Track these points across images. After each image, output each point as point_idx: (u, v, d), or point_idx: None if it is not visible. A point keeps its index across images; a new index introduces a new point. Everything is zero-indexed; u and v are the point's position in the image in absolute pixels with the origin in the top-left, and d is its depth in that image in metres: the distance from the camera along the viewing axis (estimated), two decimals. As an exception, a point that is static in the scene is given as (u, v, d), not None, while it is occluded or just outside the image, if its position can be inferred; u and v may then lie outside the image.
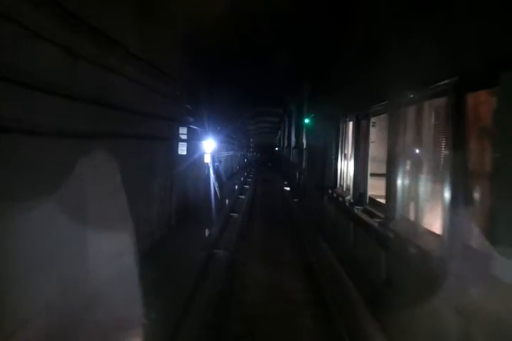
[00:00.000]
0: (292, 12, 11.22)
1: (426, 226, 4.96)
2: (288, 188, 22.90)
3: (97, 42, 5.14)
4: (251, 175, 35.95)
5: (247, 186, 24.26)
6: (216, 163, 19.55)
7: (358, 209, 7.93)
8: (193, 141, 13.36)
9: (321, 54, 13.38)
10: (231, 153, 29.25)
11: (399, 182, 5.78)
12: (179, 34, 10.33)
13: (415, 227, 5.07)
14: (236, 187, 21.78)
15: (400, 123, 5.76)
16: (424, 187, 5.06)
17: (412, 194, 5.41)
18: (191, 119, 12.88)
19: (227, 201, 16.53)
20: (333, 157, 10.96)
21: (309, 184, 16.73)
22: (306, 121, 17.50)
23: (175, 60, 10.55)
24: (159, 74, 8.43)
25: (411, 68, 5.30)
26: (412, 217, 5.39)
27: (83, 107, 4.78)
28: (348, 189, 9.36)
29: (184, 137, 11.80)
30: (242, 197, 19.46)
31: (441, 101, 4.67)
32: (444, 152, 4.48)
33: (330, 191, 11.19)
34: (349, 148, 9.59)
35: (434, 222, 4.78)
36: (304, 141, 19.34)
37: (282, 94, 26.22)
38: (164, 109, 9.28)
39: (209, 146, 15.93)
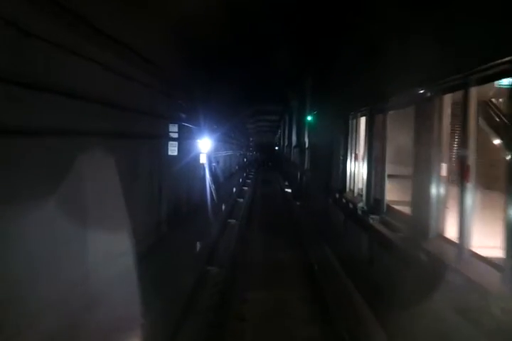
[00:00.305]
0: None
1: (480, 251, 3.78)
2: (289, 190, 21.69)
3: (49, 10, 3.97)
4: (250, 176, 34.79)
5: (245, 188, 23.07)
6: (213, 164, 18.40)
7: (373, 219, 6.76)
8: (186, 140, 12.20)
9: (324, 45, 12.19)
10: (229, 152, 28.11)
11: (432, 188, 4.61)
12: (171, 25, 9.14)
13: (461, 253, 3.89)
14: (234, 189, 20.61)
15: (434, 116, 4.59)
16: (471, 196, 3.89)
17: (453, 204, 4.25)
18: (184, 116, 11.72)
19: (223, 206, 15.40)
20: (342, 157, 9.79)
21: (312, 185, 15.56)
22: (309, 118, 16.33)
23: (165, 51, 9.38)
24: (142, 62, 7.25)
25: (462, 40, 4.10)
26: (452, 235, 4.23)
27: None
28: (360, 194, 8.19)
29: (175, 136, 10.63)
30: (241, 200, 18.30)
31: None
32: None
33: (337, 195, 10.02)
34: (361, 147, 8.42)
35: (492, 247, 3.62)
36: (306, 140, 18.16)
37: (283, 91, 25.02)
38: (149, 104, 8.10)
39: (205, 146, 14.77)
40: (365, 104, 7.70)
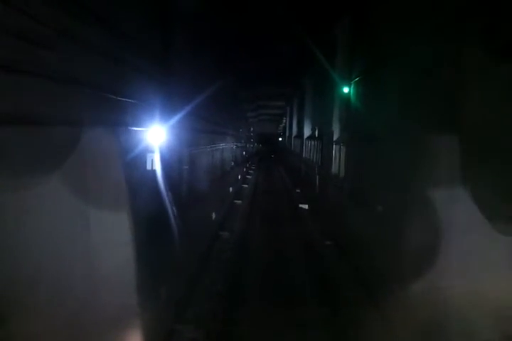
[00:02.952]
0: None
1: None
2: (305, 206, 14.27)
3: None
4: (249, 176, 27.84)
5: (238, 202, 15.88)
6: (185, 167, 11.41)
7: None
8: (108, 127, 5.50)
9: None
10: (221, 146, 21.09)
11: None
12: None
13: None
14: (220, 206, 13.35)
15: None
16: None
17: None
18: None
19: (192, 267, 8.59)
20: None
21: (355, 208, 8.79)
22: (346, 90, 9.44)
23: None
24: None
25: None
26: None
27: None
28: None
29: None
30: (225, 234, 11.02)
31: None
32: None
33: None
34: None
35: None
36: (336, 128, 11.32)
37: (291, 64, 18.02)
38: None
39: (159, 139, 8.01)
40: None
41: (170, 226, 8.13)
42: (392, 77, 6.42)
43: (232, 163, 29.08)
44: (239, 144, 37.35)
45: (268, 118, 51.01)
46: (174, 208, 8.59)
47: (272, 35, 13.64)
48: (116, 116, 6.74)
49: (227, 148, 25.99)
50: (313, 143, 17.19)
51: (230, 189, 16.52)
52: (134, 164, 7.20)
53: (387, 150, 6.77)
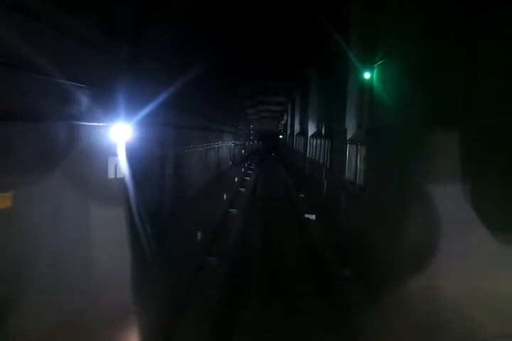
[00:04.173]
0: None
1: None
2: (312, 216, 12.03)
3: None
4: (247, 177, 25.85)
5: (233, 211, 13.56)
6: (168, 170, 9.60)
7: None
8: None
9: None
10: (218, 144, 19.22)
11: None
12: None
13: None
14: (211, 219, 11.25)
15: None
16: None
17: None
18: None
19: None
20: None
21: (379, 224, 6.87)
22: (367, 76, 7.49)
23: None
24: None
25: None
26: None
27: None
28: None
29: None
30: (213, 260, 8.44)
31: None
32: None
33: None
34: None
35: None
36: (351, 123, 9.40)
37: (295, 52, 16.02)
38: None
39: (128, 137, 6.12)
40: None
41: (137, 254, 6.21)
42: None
43: (230, 163, 27.10)
44: (237, 142, 35.41)
45: (268, 115, 49.31)
46: (147, 227, 6.68)
47: (275, 17, 11.69)
48: (60, 106, 4.91)
49: (225, 146, 24.02)
50: (319, 141, 15.23)
51: (225, 196, 14.49)
52: (88, 172, 5.29)
53: (432, 155, 4.89)
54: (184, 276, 7.20)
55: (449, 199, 4.73)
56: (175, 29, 8.98)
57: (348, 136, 9.71)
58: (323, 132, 14.55)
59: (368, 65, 7.51)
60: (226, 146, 24.60)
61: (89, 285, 4.59)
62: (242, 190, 18.99)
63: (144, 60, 7.29)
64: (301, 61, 17.50)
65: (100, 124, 5.50)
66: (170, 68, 8.98)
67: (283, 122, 47.09)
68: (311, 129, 18.39)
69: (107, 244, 5.33)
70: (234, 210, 13.15)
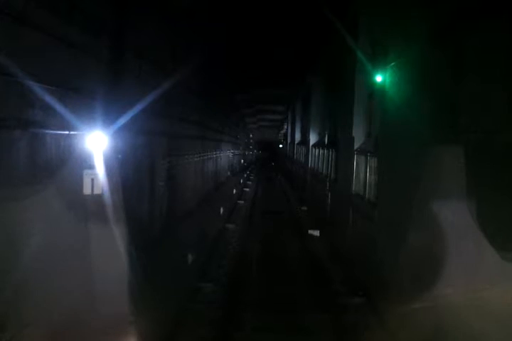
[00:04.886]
0: None
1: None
2: (316, 232, 10.85)
3: None
4: (246, 189, 24.96)
5: (231, 226, 12.12)
6: (160, 184, 8.91)
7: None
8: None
9: None
10: (216, 154, 18.48)
11: None
12: None
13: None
14: (204, 238, 9.99)
15: None
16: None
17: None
18: None
19: None
20: None
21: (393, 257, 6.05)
22: (378, 79, 6.72)
23: None
24: None
25: None
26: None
27: None
28: None
29: None
30: (208, 287, 7.24)
31: None
32: None
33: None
34: None
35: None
36: (359, 132, 8.63)
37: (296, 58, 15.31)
38: None
39: (107, 147, 5.31)
40: None
41: (120, 280, 5.35)
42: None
43: (229, 173, 26.32)
44: (236, 152, 34.67)
45: (268, 124, 48.78)
46: (132, 252, 5.83)
47: (274, 20, 10.98)
48: (21, 111, 4.16)
49: (223, 156, 23.25)
50: (321, 151, 14.45)
51: (221, 210, 13.57)
52: (57, 188, 4.49)
53: (458, 168, 4.08)
54: (174, 305, 6.33)
55: (461, 213, 3.95)
56: (166, 31, 8.24)
57: (356, 146, 8.93)
58: (325, 141, 13.80)
59: (380, 66, 6.76)
60: (224, 156, 23.85)
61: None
62: (241, 202, 18.04)
63: (129, 61, 6.55)
64: (302, 67, 16.81)
65: (72, 133, 4.73)
66: (161, 73, 8.24)
67: (283, 131, 46.48)
68: (313, 138, 17.64)
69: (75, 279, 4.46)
70: (232, 225, 12.22)
